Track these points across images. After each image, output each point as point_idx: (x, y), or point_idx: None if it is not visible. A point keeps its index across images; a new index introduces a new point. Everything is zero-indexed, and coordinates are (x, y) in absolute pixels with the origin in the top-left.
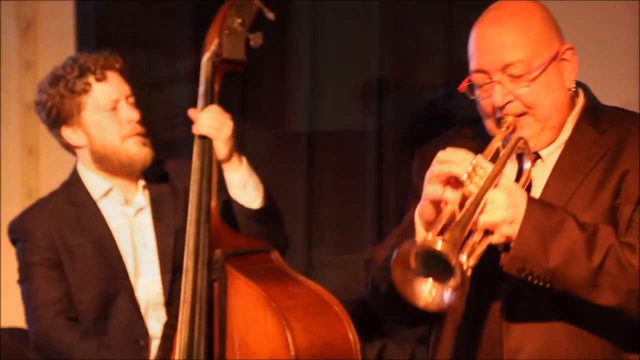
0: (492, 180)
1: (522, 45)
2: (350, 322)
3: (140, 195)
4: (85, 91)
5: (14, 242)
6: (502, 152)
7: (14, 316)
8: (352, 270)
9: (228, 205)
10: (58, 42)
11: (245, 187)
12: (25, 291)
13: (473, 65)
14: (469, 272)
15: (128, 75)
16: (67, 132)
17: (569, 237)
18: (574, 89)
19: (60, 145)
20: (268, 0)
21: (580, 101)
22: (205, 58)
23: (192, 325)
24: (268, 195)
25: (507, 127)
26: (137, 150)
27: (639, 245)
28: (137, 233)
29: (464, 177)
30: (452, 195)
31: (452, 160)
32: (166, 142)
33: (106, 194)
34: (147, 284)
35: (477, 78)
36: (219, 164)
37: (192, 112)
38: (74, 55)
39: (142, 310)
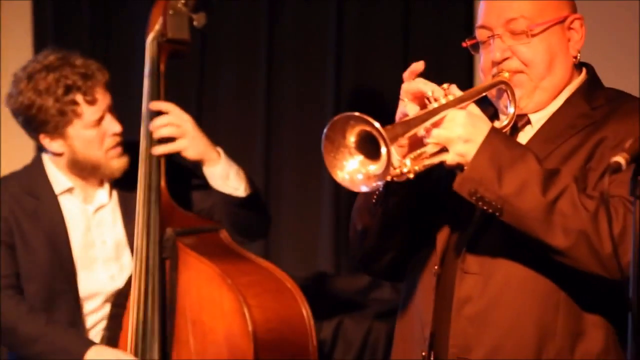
0: (457, 102)
1: (527, 3)
2: (304, 298)
3: (102, 193)
4: (75, 113)
5: None
6: (480, 85)
7: None
8: (310, 246)
9: (176, 183)
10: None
11: (227, 178)
12: None
13: (478, 21)
14: (410, 175)
15: (109, 83)
16: (46, 141)
17: (526, 169)
18: (578, 64)
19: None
20: None
21: (581, 77)
22: (150, 38)
23: (145, 304)
24: (250, 180)
25: (499, 77)
26: (117, 162)
27: (598, 198)
28: (96, 230)
29: (429, 93)
30: (412, 110)
31: (423, 80)
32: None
33: (68, 190)
34: (103, 281)
35: (480, 34)
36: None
37: (154, 105)
38: (57, 59)
39: (91, 307)
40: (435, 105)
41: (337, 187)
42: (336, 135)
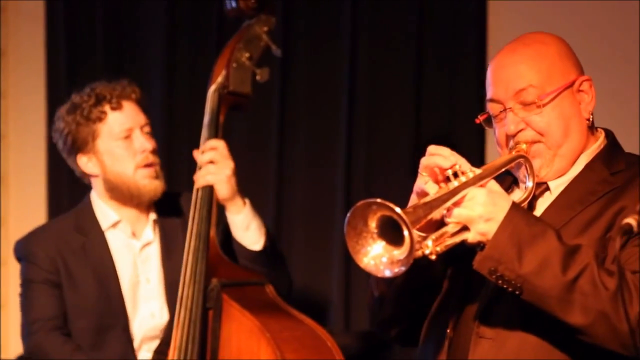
0: (477, 180)
1: (534, 72)
2: (342, 357)
3: (149, 230)
4: (100, 119)
5: (18, 260)
6: (498, 161)
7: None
8: (321, 302)
9: (227, 235)
10: (28, 71)
11: (247, 229)
12: (23, 305)
13: (488, 95)
14: (432, 257)
15: (146, 105)
16: (83, 161)
17: (546, 247)
18: (594, 127)
19: (76, 174)
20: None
21: (600, 142)
22: (212, 89)
23: (185, 351)
24: (270, 237)
25: (517, 151)
26: (147, 182)
27: (618, 273)
28: (142, 267)
29: (449, 171)
30: (432, 189)
31: (439, 153)
32: None
33: (114, 225)
34: (144, 318)
35: (492, 108)
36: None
37: (196, 154)
38: (93, 84)
39: (137, 343)
40: (455, 184)
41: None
42: (357, 221)
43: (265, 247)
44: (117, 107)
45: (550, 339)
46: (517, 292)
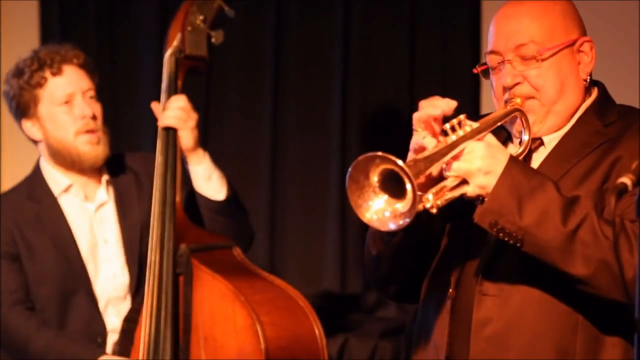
0: (474, 133)
1: (536, 26)
2: (316, 317)
3: (102, 191)
4: (40, 85)
5: None
6: (495, 114)
7: None
8: (316, 264)
9: (192, 200)
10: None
11: (210, 179)
12: None
13: (489, 47)
14: (433, 211)
15: (91, 69)
16: (27, 125)
17: (546, 198)
18: (590, 85)
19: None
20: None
21: (592, 96)
22: (168, 54)
23: (158, 319)
24: (231, 188)
25: (513, 105)
26: (88, 149)
27: (618, 224)
28: (98, 229)
29: (447, 125)
30: (430, 143)
31: (429, 104)
32: (131, 137)
33: (66, 189)
34: (107, 279)
35: (490, 59)
36: (184, 159)
37: (155, 106)
38: (39, 47)
39: (102, 305)
40: (453, 137)
41: (344, 205)
42: (359, 174)
43: (228, 196)
44: (57, 72)
45: (553, 292)
46: (518, 245)
